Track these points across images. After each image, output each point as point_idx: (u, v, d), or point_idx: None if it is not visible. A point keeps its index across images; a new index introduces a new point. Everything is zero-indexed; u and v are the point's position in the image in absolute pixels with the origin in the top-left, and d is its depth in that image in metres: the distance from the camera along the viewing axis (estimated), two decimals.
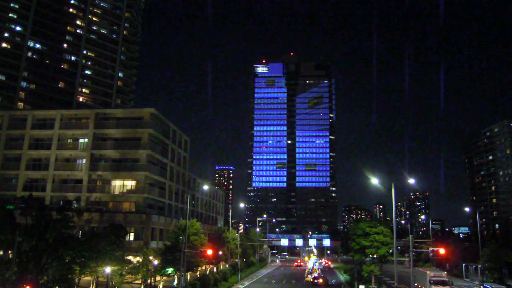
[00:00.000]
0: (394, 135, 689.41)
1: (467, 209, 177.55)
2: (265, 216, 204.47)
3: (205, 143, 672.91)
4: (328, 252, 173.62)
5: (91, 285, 49.20)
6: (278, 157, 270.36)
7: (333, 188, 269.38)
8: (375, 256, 64.74)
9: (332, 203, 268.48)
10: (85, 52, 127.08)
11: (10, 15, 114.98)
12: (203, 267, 71.41)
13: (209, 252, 57.74)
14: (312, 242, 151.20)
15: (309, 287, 67.88)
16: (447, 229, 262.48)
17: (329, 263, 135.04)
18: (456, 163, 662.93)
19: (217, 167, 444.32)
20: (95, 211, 65.82)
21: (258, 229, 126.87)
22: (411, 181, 49.75)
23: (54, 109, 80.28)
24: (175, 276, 57.13)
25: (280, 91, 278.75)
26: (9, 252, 38.48)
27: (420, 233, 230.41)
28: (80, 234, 53.91)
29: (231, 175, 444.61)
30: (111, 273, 44.32)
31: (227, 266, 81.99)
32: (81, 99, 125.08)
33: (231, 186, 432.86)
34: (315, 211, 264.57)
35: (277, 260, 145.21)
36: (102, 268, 43.29)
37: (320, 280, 72.98)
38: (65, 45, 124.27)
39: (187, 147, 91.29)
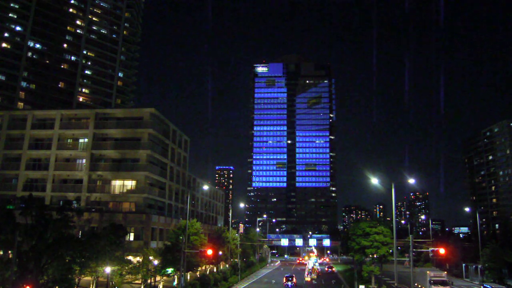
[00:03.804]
0: (394, 135, 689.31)
1: (467, 209, 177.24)
2: (265, 216, 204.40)
3: (205, 143, 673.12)
4: (328, 252, 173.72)
5: (91, 285, 49.20)
6: (278, 157, 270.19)
7: (333, 188, 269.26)
8: (375, 256, 64.88)
9: (332, 203, 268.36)
10: (85, 52, 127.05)
11: (10, 15, 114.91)
12: (203, 267, 71.41)
13: (209, 252, 57.76)
14: (312, 242, 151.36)
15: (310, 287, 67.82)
16: (447, 229, 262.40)
17: (328, 259, 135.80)
18: (456, 163, 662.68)
19: (217, 167, 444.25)
20: (95, 211, 65.80)
21: (258, 229, 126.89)
22: (411, 181, 49.78)
23: (54, 109, 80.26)
24: (175, 276, 57.15)
25: (280, 91, 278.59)
26: (9, 252, 38.43)
27: (420, 233, 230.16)
28: (80, 234, 53.90)
29: (231, 175, 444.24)
30: (111, 273, 44.33)
31: (227, 266, 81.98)
32: (81, 99, 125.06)
33: (231, 186, 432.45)
34: (315, 211, 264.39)
35: (277, 260, 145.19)
36: (102, 268, 43.30)
37: (334, 269, 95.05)
38: (65, 45, 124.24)
39: (187, 147, 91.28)
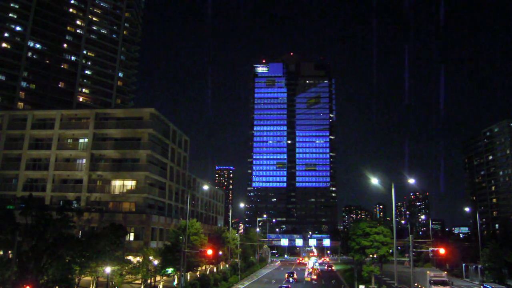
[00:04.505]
0: (394, 135, 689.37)
1: (467, 209, 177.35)
2: (265, 216, 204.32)
3: (205, 143, 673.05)
4: (328, 252, 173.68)
5: (91, 285, 49.18)
6: (278, 157, 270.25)
7: (333, 188, 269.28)
8: (375, 256, 64.74)
9: (332, 203, 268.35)
10: (85, 52, 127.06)
11: (10, 15, 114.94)
12: (203, 267, 71.40)
13: (209, 252, 57.72)
14: (312, 242, 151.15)
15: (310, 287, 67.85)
16: (447, 229, 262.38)
17: (328, 259, 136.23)
18: (456, 163, 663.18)
19: (217, 167, 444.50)
20: (95, 211, 65.80)
21: (258, 229, 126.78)
22: (411, 181, 49.73)
23: (54, 109, 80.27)
24: (175, 276, 57.14)
25: (280, 91, 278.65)
26: (9, 252, 38.42)
27: (420, 233, 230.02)
28: (80, 234, 53.88)
29: (231, 175, 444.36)
30: (111, 273, 44.32)
31: (227, 266, 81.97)
32: (81, 99, 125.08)
33: (231, 186, 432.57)
34: (315, 211, 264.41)
35: (277, 260, 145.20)
36: (102, 268, 43.28)
37: (333, 268, 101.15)
38: (65, 45, 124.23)
39: (187, 147, 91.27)
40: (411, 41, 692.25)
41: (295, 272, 78.05)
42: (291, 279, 71.65)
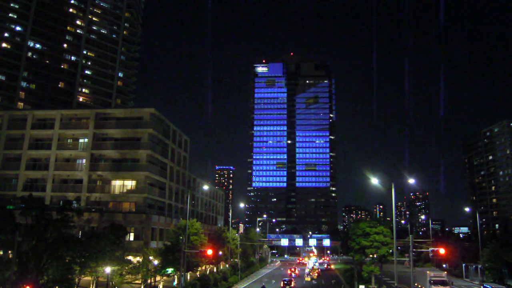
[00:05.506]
0: (394, 135, 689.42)
1: (467, 209, 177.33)
2: (265, 216, 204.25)
3: (205, 143, 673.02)
4: (328, 252, 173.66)
5: (91, 285, 49.21)
6: (278, 157, 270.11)
7: (333, 188, 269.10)
8: (375, 256, 64.74)
9: (332, 203, 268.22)
10: (85, 52, 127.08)
11: (10, 15, 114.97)
12: (203, 267, 71.41)
13: (209, 252, 57.73)
14: (312, 242, 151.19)
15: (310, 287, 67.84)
16: (447, 229, 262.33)
17: (328, 259, 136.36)
18: (456, 163, 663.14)
19: (217, 167, 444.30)
20: (95, 211, 65.79)
21: (258, 229, 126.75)
22: (411, 181, 49.81)
23: (54, 109, 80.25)
24: (175, 276, 57.14)
25: (280, 91, 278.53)
26: (9, 252, 38.43)
27: (420, 233, 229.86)
28: (80, 234, 53.89)
29: (231, 175, 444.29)
30: (111, 273, 44.32)
31: (227, 266, 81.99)
32: (81, 99, 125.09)
33: (231, 186, 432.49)
34: (315, 211, 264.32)
35: (277, 260, 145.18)
36: (102, 268, 43.30)
37: (331, 266, 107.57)
38: (65, 45, 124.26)
39: (187, 147, 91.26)
40: (411, 41, 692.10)
41: (296, 268, 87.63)
42: (293, 274, 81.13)
